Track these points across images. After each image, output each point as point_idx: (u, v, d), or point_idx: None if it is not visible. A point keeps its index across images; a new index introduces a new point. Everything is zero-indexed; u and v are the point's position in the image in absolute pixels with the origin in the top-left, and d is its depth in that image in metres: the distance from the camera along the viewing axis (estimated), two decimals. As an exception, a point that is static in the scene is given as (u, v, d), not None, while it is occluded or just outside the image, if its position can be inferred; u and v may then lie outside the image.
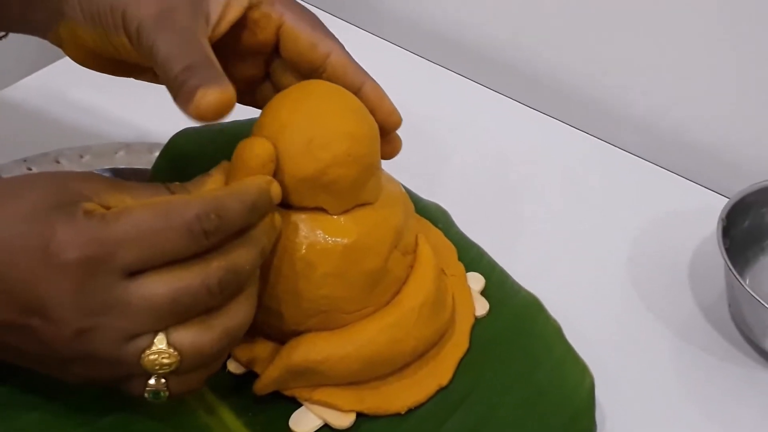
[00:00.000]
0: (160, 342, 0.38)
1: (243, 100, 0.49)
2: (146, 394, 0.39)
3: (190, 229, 0.37)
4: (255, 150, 0.42)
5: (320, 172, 0.43)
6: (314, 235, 0.44)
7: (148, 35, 0.42)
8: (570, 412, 0.49)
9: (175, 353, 0.38)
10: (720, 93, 0.68)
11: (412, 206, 0.51)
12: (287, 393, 0.46)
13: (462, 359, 0.50)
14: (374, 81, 0.47)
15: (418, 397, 0.48)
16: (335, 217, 0.45)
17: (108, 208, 0.38)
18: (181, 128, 0.55)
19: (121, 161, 0.61)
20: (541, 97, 0.75)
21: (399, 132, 0.50)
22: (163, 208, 0.37)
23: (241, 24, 0.46)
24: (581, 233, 0.64)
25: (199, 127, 0.54)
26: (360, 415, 0.47)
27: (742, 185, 0.61)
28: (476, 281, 0.54)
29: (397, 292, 0.48)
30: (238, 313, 0.40)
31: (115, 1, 0.43)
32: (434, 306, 0.48)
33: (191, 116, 0.39)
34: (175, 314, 0.38)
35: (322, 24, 0.47)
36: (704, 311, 0.60)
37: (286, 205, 0.44)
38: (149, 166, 0.57)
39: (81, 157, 0.62)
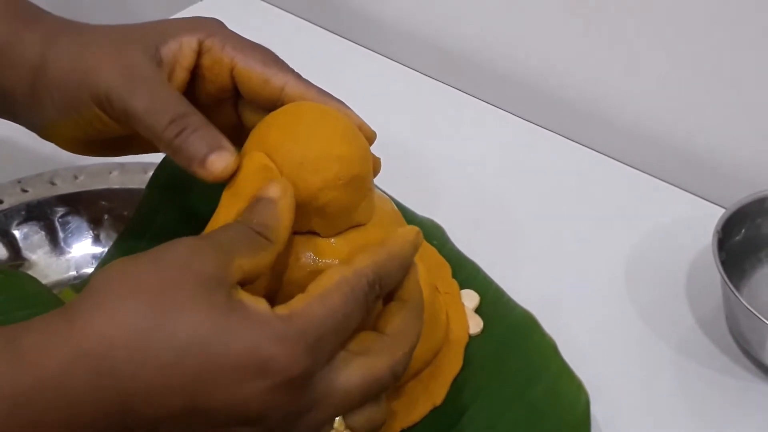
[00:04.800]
0: (339, 425, 0.39)
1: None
2: None
3: (366, 300, 0.38)
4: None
5: (311, 197, 0.42)
6: (305, 257, 0.44)
7: (119, 97, 0.44)
8: (565, 431, 0.49)
9: None
10: (715, 102, 0.68)
11: (405, 224, 0.51)
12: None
13: (456, 378, 0.50)
14: (337, 101, 0.47)
15: (412, 417, 0.48)
16: (327, 239, 0.44)
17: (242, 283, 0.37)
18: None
19: (116, 181, 0.61)
20: (538, 109, 0.75)
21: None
22: (346, 287, 0.37)
23: (198, 74, 0.47)
24: (577, 247, 0.64)
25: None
26: (354, 437, 0.46)
27: (738, 195, 0.60)
28: (470, 299, 0.54)
29: (390, 312, 0.47)
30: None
31: (80, 80, 0.45)
32: (427, 325, 0.48)
33: (200, 177, 0.42)
34: (363, 402, 0.38)
35: (275, 57, 0.48)
36: (701, 324, 0.59)
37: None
38: (143, 186, 0.57)
39: (76, 177, 0.62)
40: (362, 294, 0.38)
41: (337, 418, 0.38)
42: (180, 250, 0.37)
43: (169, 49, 0.46)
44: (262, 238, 0.38)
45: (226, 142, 0.43)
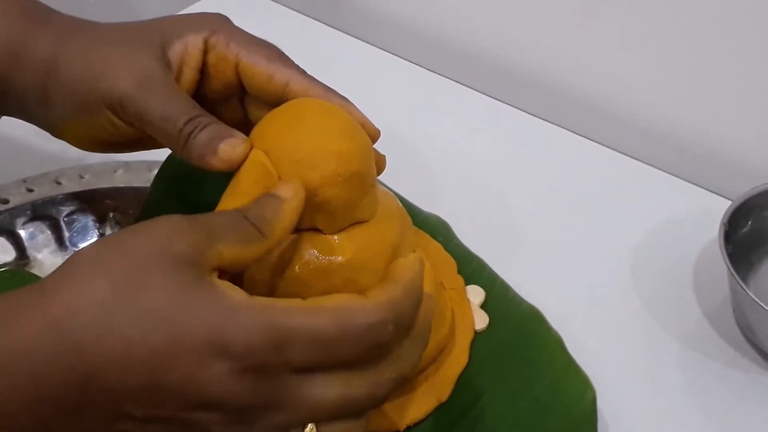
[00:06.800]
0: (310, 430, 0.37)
1: None
2: None
3: (366, 339, 0.36)
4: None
5: (310, 193, 0.42)
6: (308, 254, 0.44)
7: (133, 104, 0.45)
8: (571, 426, 0.49)
9: None
10: (721, 94, 0.68)
11: (409, 220, 0.51)
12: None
13: (461, 374, 0.50)
14: (341, 98, 0.47)
15: (418, 414, 0.48)
16: (330, 236, 0.44)
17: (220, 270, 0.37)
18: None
19: (121, 180, 0.61)
20: (543, 103, 0.75)
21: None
22: (342, 316, 0.36)
23: (204, 71, 0.48)
24: (583, 242, 0.64)
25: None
26: (359, 434, 0.47)
27: (744, 187, 0.60)
28: (476, 294, 0.54)
29: (395, 308, 0.47)
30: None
31: (92, 85, 0.45)
32: (432, 321, 0.48)
33: (215, 168, 0.43)
34: (336, 416, 0.37)
35: (280, 53, 0.48)
36: (708, 317, 0.59)
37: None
38: (148, 184, 0.57)
39: (81, 177, 0.62)
40: (357, 331, 0.36)
41: (309, 425, 0.37)
42: (158, 228, 0.36)
43: (175, 52, 0.47)
44: (255, 230, 0.38)
45: (235, 132, 0.44)
